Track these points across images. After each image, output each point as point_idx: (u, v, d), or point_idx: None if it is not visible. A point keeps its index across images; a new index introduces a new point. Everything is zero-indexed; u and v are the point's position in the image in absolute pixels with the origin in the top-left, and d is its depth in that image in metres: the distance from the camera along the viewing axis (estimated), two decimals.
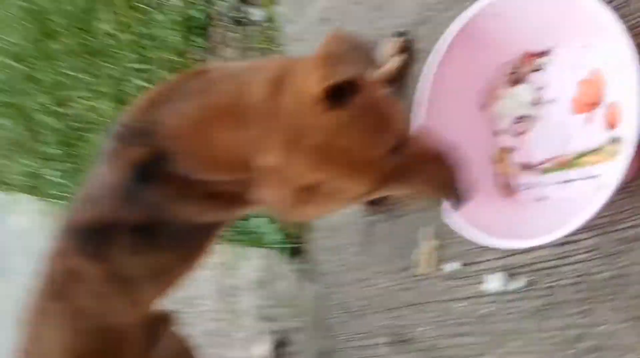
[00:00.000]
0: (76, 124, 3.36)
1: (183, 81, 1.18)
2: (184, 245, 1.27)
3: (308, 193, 1.07)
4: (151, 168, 1.13)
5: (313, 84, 1.00)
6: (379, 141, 1.05)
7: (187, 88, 1.15)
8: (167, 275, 1.32)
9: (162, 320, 1.47)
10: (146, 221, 1.18)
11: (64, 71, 3.40)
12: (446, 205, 1.33)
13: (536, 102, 1.37)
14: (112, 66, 3.05)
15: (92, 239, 1.21)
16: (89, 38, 3.23)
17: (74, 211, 1.25)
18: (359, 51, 1.05)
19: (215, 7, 2.50)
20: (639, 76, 1.08)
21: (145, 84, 2.81)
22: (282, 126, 1.03)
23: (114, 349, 1.28)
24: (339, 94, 1.00)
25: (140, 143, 1.13)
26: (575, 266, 1.29)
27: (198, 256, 1.37)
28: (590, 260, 1.27)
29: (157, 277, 1.29)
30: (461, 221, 1.32)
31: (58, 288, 1.24)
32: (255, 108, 1.06)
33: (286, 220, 1.10)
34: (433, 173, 1.13)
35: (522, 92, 1.39)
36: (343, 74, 0.99)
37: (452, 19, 1.54)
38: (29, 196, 3.70)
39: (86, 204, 1.22)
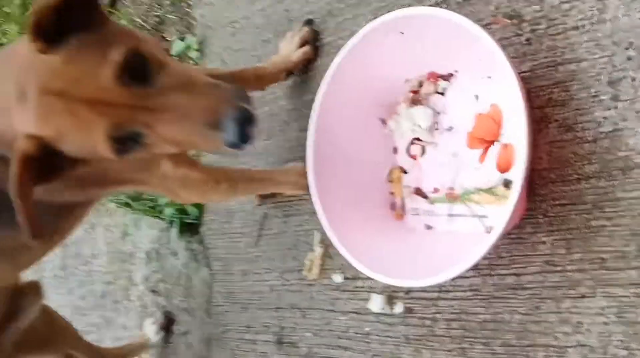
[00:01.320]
0: None
1: None
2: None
3: None
4: None
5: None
6: (104, 76, 0.89)
7: None
8: (21, 254, 1.24)
9: (28, 292, 1.45)
10: None
11: None
12: (328, 223, 1.28)
13: (433, 128, 1.31)
14: None
15: None
16: None
17: None
18: None
19: None
20: (529, 123, 1.02)
21: None
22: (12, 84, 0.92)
23: None
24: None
25: None
26: (453, 302, 1.27)
27: (58, 236, 1.29)
28: (468, 299, 1.25)
29: (7, 256, 1.21)
30: (340, 244, 1.25)
31: None
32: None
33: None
34: (187, 105, 0.94)
35: (420, 114, 1.32)
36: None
37: (360, 17, 1.46)
38: None
39: None
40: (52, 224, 1.21)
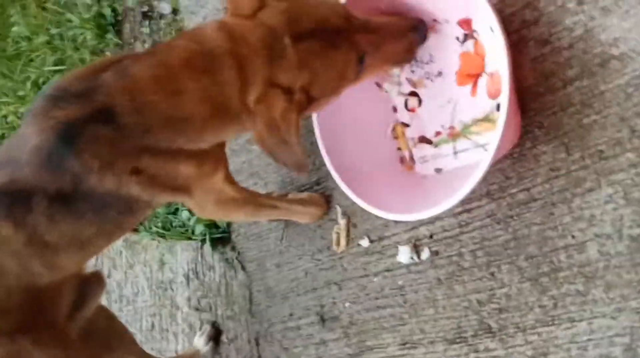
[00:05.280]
0: (3, 130, 3.31)
1: (121, 57, 1.17)
2: (102, 220, 1.24)
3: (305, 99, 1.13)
4: (79, 129, 1.09)
5: None
6: (331, 9, 1.13)
7: (131, 58, 1.15)
8: (86, 245, 1.30)
9: (91, 282, 1.50)
10: (65, 190, 1.15)
11: None
12: (346, 186, 1.36)
13: (424, 77, 1.40)
14: (31, 69, 3.00)
15: (8, 201, 1.18)
16: (5, 43, 3.17)
17: None
18: None
19: (124, 3, 2.49)
20: (507, 48, 1.11)
21: None
22: (254, 48, 1.08)
23: (35, 306, 1.30)
24: None
25: (74, 103, 1.09)
26: (474, 233, 1.33)
27: (117, 232, 1.37)
28: (486, 226, 1.32)
29: (75, 246, 1.28)
30: (363, 199, 1.33)
31: None
32: (221, 50, 1.09)
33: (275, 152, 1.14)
34: (390, 22, 1.22)
35: (408, 68, 1.41)
36: None
37: None
38: None
39: (7, 165, 1.18)
40: (116, 220, 1.28)
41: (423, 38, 1.26)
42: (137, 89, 1.09)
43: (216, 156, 1.27)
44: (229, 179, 1.39)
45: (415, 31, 1.23)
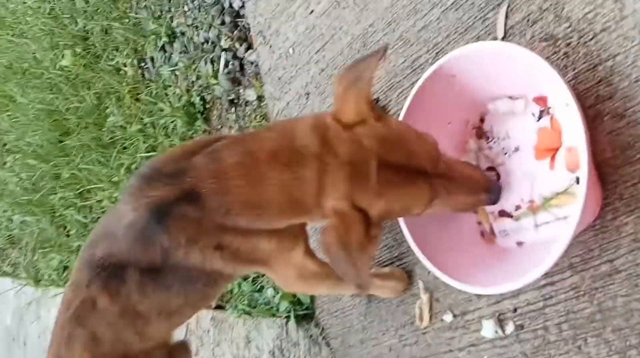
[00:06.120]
0: (97, 215, 3.49)
1: (213, 139, 1.27)
2: (188, 291, 1.32)
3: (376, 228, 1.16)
4: (169, 208, 1.19)
5: (355, 104, 1.13)
6: (424, 148, 1.17)
7: (220, 143, 1.23)
8: (174, 314, 1.39)
9: (177, 351, 1.57)
10: (156, 263, 1.25)
11: (82, 165, 3.53)
12: (428, 260, 1.39)
13: (503, 153, 1.44)
14: (124, 156, 3.17)
15: (105, 274, 1.28)
16: (101, 132, 3.37)
17: (93, 244, 1.33)
18: (363, 63, 1.17)
19: (212, 92, 2.62)
20: (584, 123, 1.15)
21: None
22: (340, 162, 1.12)
23: None
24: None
25: (166, 184, 1.19)
26: (558, 306, 1.33)
27: (203, 301, 1.44)
28: (571, 299, 1.31)
29: (164, 315, 1.36)
30: (445, 273, 1.36)
31: (78, 315, 1.32)
32: (308, 150, 1.14)
33: (346, 272, 1.14)
34: (470, 176, 1.26)
35: (486, 145, 1.45)
36: (369, 83, 1.13)
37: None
38: (62, 290, 3.77)
39: (105, 239, 1.30)
40: (201, 291, 1.36)
41: (494, 201, 1.31)
42: (223, 173, 1.18)
43: (295, 232, 1.33)
44: (310, 254, 1.44)
45: (488, 192, 1.28)
